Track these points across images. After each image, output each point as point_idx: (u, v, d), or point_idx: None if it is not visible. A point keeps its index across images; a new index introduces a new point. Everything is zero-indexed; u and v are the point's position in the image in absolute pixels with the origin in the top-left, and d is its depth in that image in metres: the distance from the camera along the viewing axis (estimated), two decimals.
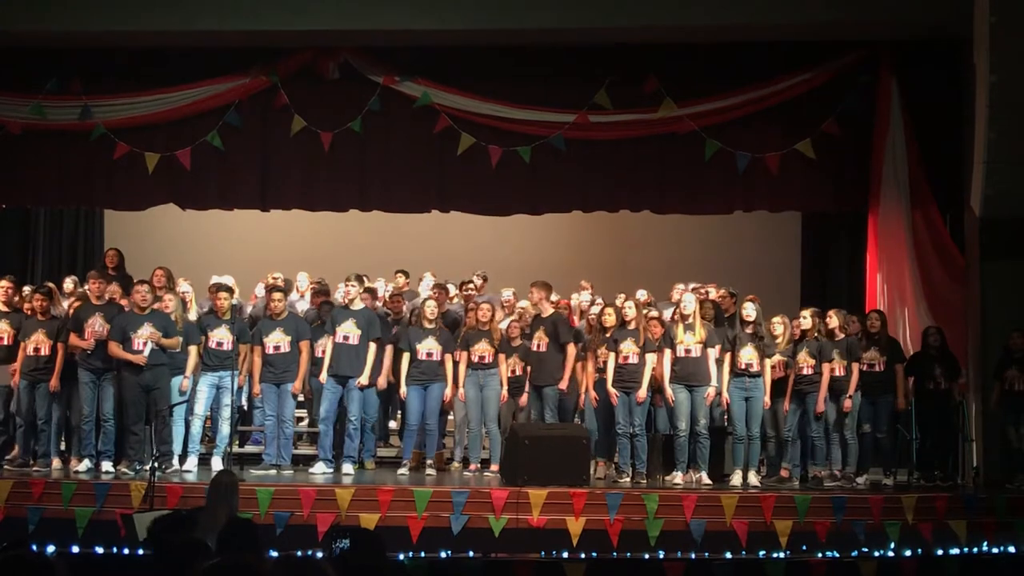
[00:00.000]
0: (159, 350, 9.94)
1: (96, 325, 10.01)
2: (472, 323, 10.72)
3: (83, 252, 14.89)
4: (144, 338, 9.86)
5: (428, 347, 10.42)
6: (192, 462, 10.24)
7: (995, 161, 10.53)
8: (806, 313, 10.43)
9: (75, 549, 8.25)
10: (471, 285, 12.07)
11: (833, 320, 10.44)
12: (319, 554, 6.65)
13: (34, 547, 7.14)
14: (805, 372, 10.20)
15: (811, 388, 10.18)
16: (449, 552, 8.53)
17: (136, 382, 9.90)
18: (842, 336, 10.38)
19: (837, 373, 10.22)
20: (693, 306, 10.17)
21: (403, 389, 10.43)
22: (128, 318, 10.05)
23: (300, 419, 11.84)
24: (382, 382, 10.43)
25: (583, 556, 8.55)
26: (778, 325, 10.39)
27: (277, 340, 10.39)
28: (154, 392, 9.93)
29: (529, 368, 10.63)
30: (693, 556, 8.70)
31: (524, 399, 10.67)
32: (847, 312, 10.78)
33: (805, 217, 13.98)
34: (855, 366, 10.27)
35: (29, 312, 10.39)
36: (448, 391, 10.46)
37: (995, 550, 8.90)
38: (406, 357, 10.44)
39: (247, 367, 10.51)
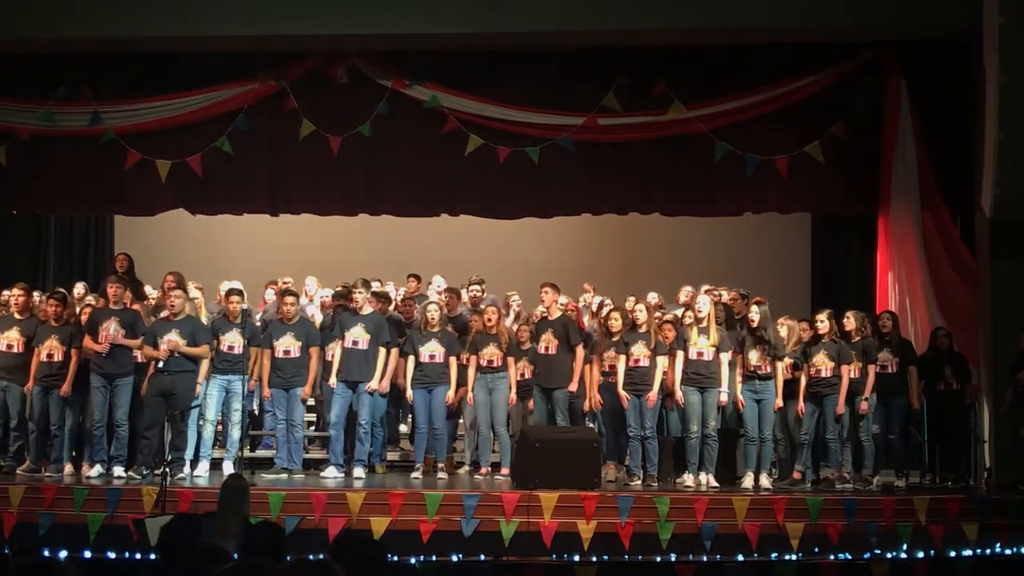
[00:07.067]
0: (182, 356, 9.97)
1: (111, 328, 10.04)
2: (479, 327, 10.74)
3: (93, 257, 14.94)
4: (165, 343, 9.89)
5: (431, 350, 10.43)
6: (204, 467, 10.26)
7: (1005, 161, 10.50)
8: (823, 315, 10.36)
9: (87, 554, 8.29)
10: (476, 288, 12.01)
11: (851, 322, 10.42)
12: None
13: (46, 552, 7.17)
14: (824, 375, 10.16)
15: (830, 391, 10.14)
16: (460, 555, 8.55)
17: (155, 385, 9.92)
18: (859, 338, 10.36)
19: (853, 375, 10.19)
20: (708, 309, 10.17)
21: (409, 393, 10.44)
22: (159, 324, 10.11)
23: (310, 423, 11.86)
24: (385, 385, 10.42)
25: (594, 559, 8.57)
26: (782, 327, 10.37)
27: (287, 344, 10.41)
28: (172, 396, 9.93)
29: (536, 370, 10.64)
30: (705, 559, 8.71)
31: (532, 402, 10.68)
32: (864, 315, 10.73)
33: (815, 218, 13.98)
34: (871, 368, 10.25)
35: (43, 318, 10.42)
36: (451, 393, 10.46)
37: (1007, 552, 8.88)
38: (411, 361, 10.45)
39: (258, 371, 10.53)
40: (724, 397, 10.12)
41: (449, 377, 10.46)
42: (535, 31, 11.55)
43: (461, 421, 11.18)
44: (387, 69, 12.16)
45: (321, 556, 4.17)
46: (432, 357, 10.42)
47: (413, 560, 8.37)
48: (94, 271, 14.42)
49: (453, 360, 10.49)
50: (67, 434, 10.22)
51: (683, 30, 11.52)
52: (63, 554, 7.59)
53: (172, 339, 9.93)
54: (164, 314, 10.21)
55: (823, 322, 10.29)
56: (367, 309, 10.48)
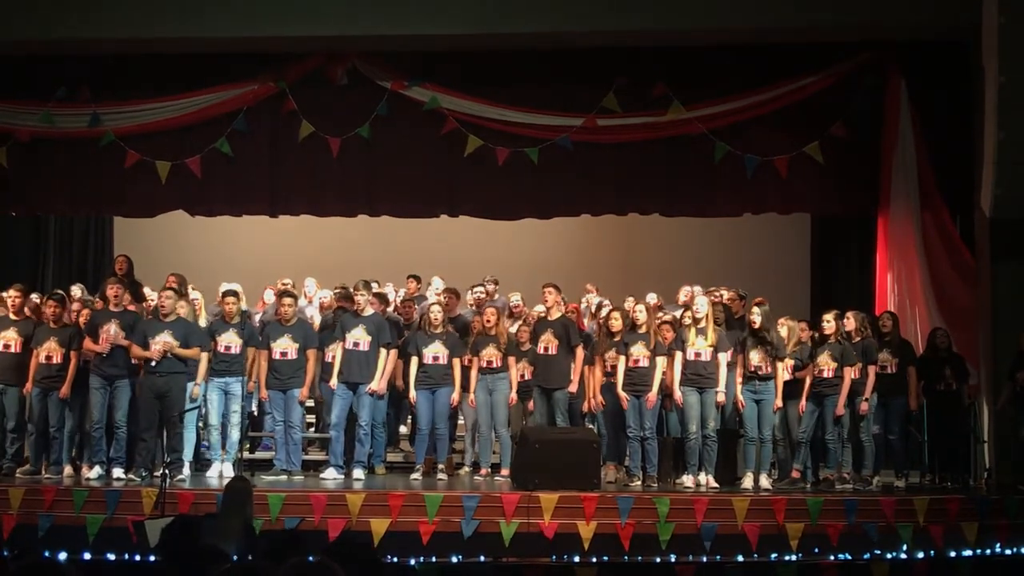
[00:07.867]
0: (174, 357, 9.95)
1: (111, 330, 10.03)
2: (479, 328, 10.73)
3: (93, 259, 14.94)
4: (159, 344, 9.88)
5: (435, 351, 10.42)
6: (216, 468, 10.25)
7: (1005, 161, 10.50)
8: (829, 316, 10.35)
9: (87, 556, 8.28)
10: (480, 289, 12.03)
11: (851, 322, 10.41)
12: None
13: (46, 554, 7.16)
14: (826, 375, 10.17)
15: (831, 391, 10.14)
16: (460, 556, 8.55)
17: (149, 387, 9.92)
18: (859, 338, 10.35)
19: (853, 376, 10.18)
20: (706, 309, 10.16)
21: (412, 394, 10.43)
22: (149, 324, 10.10)
23: (310, 425, 11.85)
24: (382, 386, 10.39)
25: (594, 560, 8.56)
26: (782, 328, 10.37)
27: (284, 346, 10.39)
28: (167, 398, 9.93)
29: (536, 371, 10.63)
30: (705, 559, 8.71)
31: (532, 403, 10.68)
32: (864, 315, 10.73)
33: (814, 218, 13.97)
34: (871, 368, 10.25)
35: (42, 320, 10.41)
36: (455, 395, 10.47)
37: (1007, 552, 8.88)
38: (414, 362, 10.45)
39: (256, 372, 10.52)
40: (722, 397, 10.11)
41: (453, 378, 10.46)
42: (535, 31, 11.54)
43: (461, 422, 11.18)
44: (387, 70, 12.16)
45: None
46: (436, 359, 10.41)
47: (413, 561, 8.37)
48: (94, 272, 14.41)
49: (456, 362, 10.48)
50: (66, 436, 10.21)
51: (683, 31, 11.51)
52: (63, 556, 7.58)
53: (166, 340, 9.93)
54: None
55: (829, 323, 10.29)
56: (368, 311, 10.47)
